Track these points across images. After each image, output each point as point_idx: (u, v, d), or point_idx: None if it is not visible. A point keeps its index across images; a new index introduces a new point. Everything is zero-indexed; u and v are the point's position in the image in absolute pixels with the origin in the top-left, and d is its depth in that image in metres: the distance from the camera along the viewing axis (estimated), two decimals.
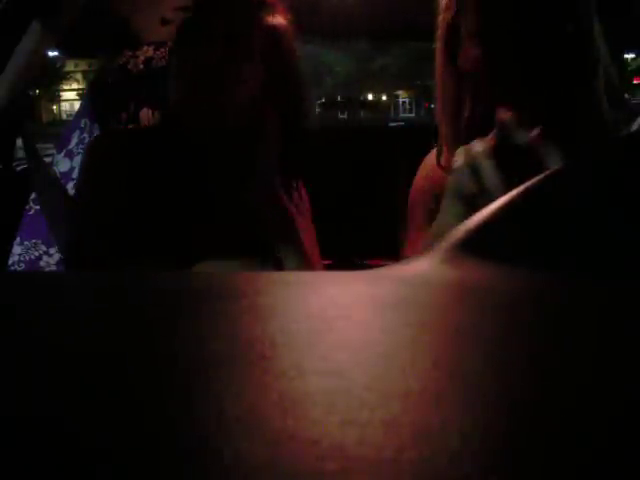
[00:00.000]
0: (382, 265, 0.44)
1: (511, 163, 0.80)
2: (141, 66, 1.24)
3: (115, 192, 0.92)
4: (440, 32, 0.91)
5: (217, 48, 0.87)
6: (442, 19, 0.91)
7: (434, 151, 1.04)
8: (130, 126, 1.21)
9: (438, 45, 0.93)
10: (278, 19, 0.95)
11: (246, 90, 0.90)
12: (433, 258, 0.41)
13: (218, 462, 0.17)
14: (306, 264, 0.94)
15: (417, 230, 0.98)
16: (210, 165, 0.93)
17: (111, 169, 0.92)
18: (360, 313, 0.32)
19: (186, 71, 0.90)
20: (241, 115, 0.92)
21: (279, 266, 0.88)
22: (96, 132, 1.26)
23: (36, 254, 1.25)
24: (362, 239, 1.99)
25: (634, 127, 0.79)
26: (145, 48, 1.27)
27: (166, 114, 0.93)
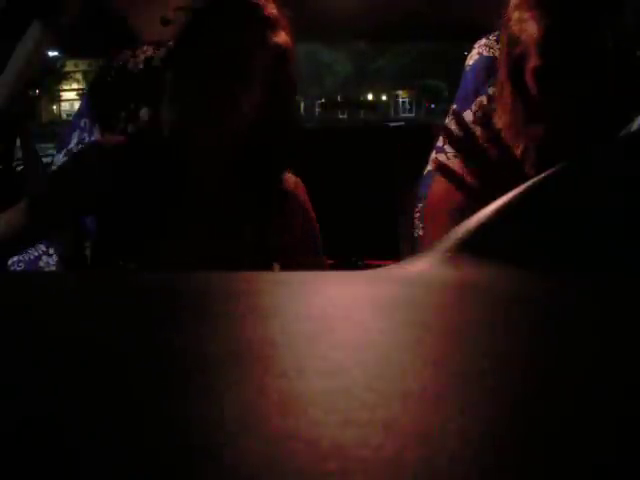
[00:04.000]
0: (382, 265, 0.45)
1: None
2: (141, 66, 1.24)
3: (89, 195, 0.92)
4: (506, 64, 0.91)
5: (214, 76, 0.86)
6: (507, 53, 0.90)
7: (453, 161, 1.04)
8: (130, 126, 1.21)
9: (502, 76, 0.92)
10: (282, 37, 0.93)
11: (241, 117, 0.90)
12: (433, 258, 0.41)
13: (218, 462, 0.17)
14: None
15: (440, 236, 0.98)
16: (195, 180, 0.93)
17: (93, 174, 0.92)
18: (360, 313, 0.32)
19: (181, 95, 0.89)
20: (236, 138, 0.92)
21: None
22: (96, 132, 1.26)
23: (35, 254, 1.26)
24: (362, 239, 1.99)
25: (634, 127, 0.79)
26: (145, 48, 1.27)
27: (155, 129, 0.93)
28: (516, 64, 0.88)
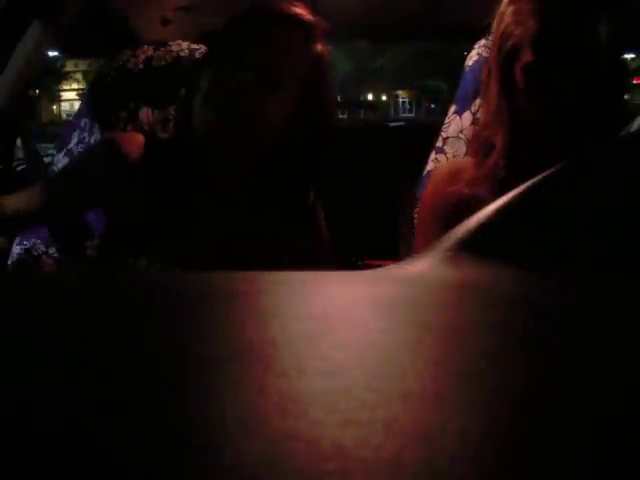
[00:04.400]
0: (382, 265, 0.45)
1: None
2: (141, 66, 1.24)
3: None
4: (496, 58, 0.91)
5: (245, 79, 0.86)
6: (498, 46, 0.90)
7: (444, 164, 1.04)
8: (129, 125, 1.21)
9: (492, 68, 0.92)
10: (320, 46, 0.94)
11: (269, 122, 0.90)
12: (433, 258, 0.41)
13: (218, 462, 0.17)
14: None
15: (429, 240, 0.98)
16: (218, 179, 0.93)
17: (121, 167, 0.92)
18: (360, 313, 0.32)
19: (213, 95, 0.89)
20: (263, 141, 0.92)
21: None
22: (96, 132, 1.26)
23: (35, 254, 1.25)
24: (362, 239, 1.99)
25: (634, 127, 0.79)
26: (145, 48, 1.26)
27: (184, 128, 0.93)
28: (506, 58, 0.88)
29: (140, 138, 0.96)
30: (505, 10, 0.88)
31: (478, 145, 0.96)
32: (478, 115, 1.09)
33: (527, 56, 0.84)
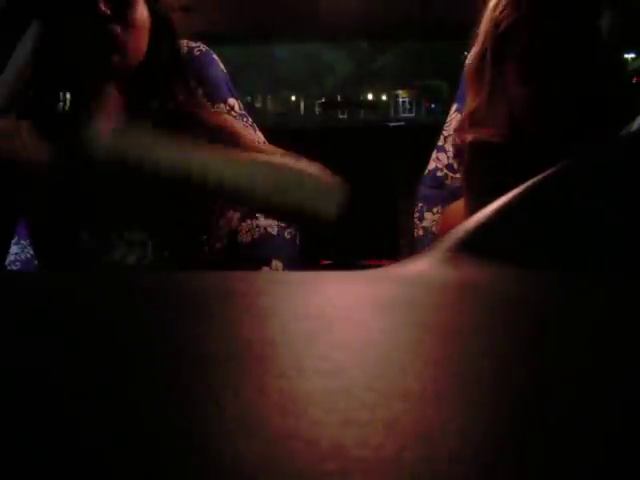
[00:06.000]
0: (382, 265, 0.45)
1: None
2: None
3: None
4: (491, 42, 0.90)
5: (93, 15, 0.88)
6: (492, 31, 0.89)
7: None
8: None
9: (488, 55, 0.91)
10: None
11: (125, 56, 0.92)
12: (433, 258, 0.41)
13: (218, 462, 0.17)
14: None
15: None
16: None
17: None
18: (360, 313, 0.32)
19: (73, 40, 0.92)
20: (128, 72, 0.94)
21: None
22: None
23: (32, 253, 1.25)
24: (362, 239, 1.99)
25: (634, 127, 0.79)
26: None
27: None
28: (499, 44, 0.87)
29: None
30: None
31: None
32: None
33: (523, 43, 0.84)
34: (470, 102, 0.94)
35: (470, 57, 0.96)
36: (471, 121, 0.93)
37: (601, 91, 0.86)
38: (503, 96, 0.88)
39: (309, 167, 0.91)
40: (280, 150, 0.97)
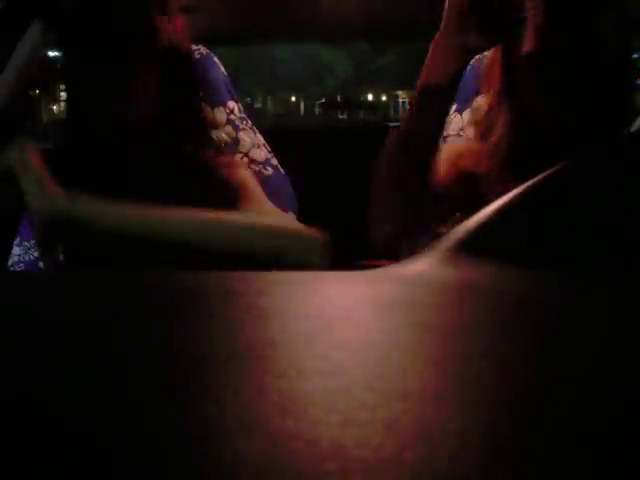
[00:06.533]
0: (382, 265, 0.44)
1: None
2: None
3: None
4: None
5: (103, 64, 0.85)
6: None
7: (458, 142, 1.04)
8: None
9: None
10: (174, 25, 0.93)
11: (136, 106, 0.88)
12: (433, 258, 0.41)
13: (218, 462, 0.17)
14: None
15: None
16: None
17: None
18: (360, 313, 0.32)
19: (78, 85, 0.89)
20: (140, 125, 0.90)
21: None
22: None
23: (35, 254, 1.25)
24: (362, 239, 1.99)
25: (634, 127, 0.79)
26: None
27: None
28: (509, 45, 0.87)
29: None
30: None
31: (481, 128, 0.95)
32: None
33: (531, 44, 0.84)
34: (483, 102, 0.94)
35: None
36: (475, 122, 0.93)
37: (605, 91, 0.86)
38: (511, 99, 0.88)
39: (297, 228, 0.90)
40: (278, 211, 0.94)
